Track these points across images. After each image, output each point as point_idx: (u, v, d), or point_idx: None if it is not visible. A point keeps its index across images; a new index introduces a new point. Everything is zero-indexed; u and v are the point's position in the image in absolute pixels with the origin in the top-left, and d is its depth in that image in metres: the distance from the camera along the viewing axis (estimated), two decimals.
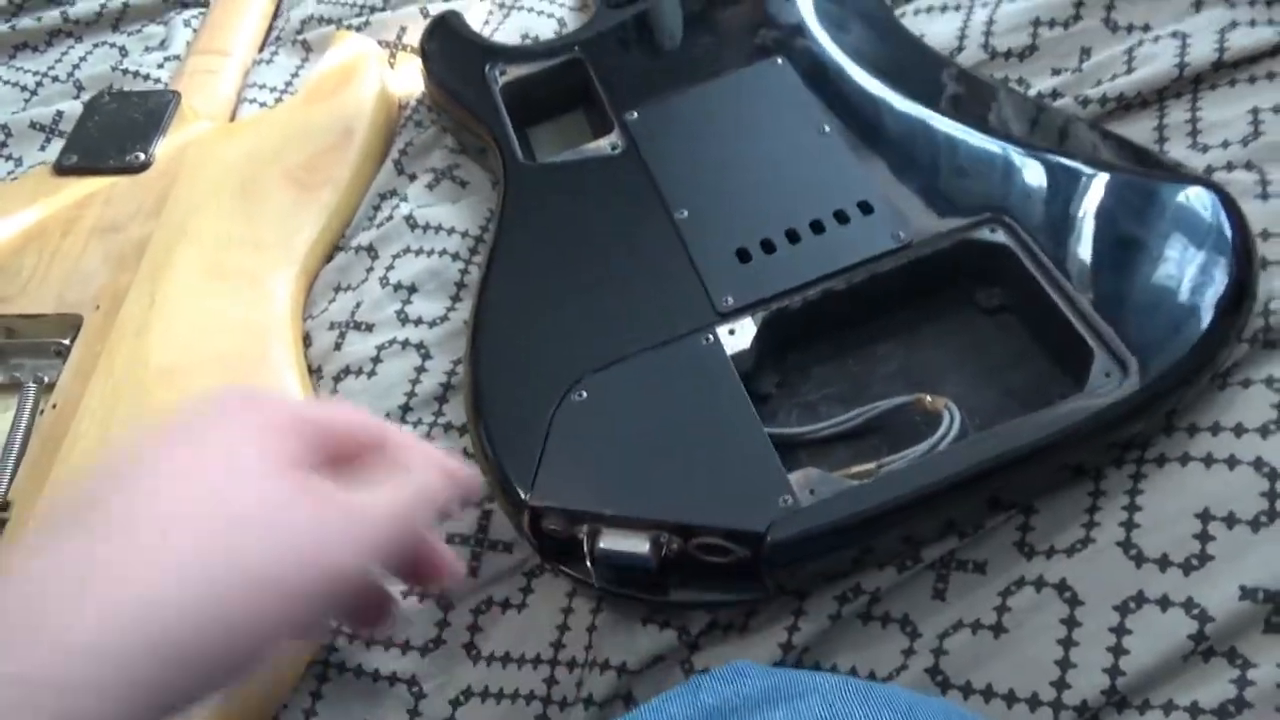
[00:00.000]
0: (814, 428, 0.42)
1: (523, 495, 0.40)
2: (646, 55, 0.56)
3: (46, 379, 0.49)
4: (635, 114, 0.53)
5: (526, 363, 0.45)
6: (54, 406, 0.47)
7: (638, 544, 0.39)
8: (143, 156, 0.57)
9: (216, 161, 0.56)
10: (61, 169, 0.57)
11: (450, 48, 0.60)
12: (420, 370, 0.50)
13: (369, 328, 0.53)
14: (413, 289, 0.54)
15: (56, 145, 0.66)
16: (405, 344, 0.51)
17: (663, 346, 0.43)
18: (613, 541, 0.39)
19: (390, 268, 0.55)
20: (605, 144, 0.52)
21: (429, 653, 0.43)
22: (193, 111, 0.60)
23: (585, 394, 0.42)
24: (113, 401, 0.46)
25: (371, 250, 0.56)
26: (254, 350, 0.49)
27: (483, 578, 0.44)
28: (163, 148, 0.57)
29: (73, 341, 0.50)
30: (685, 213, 0.48)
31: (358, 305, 0.54)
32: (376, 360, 0.51)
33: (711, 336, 0.43)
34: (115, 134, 0.58)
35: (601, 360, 0.43)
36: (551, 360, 0.44)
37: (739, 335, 0.43)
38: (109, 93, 0.59)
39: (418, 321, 0.52)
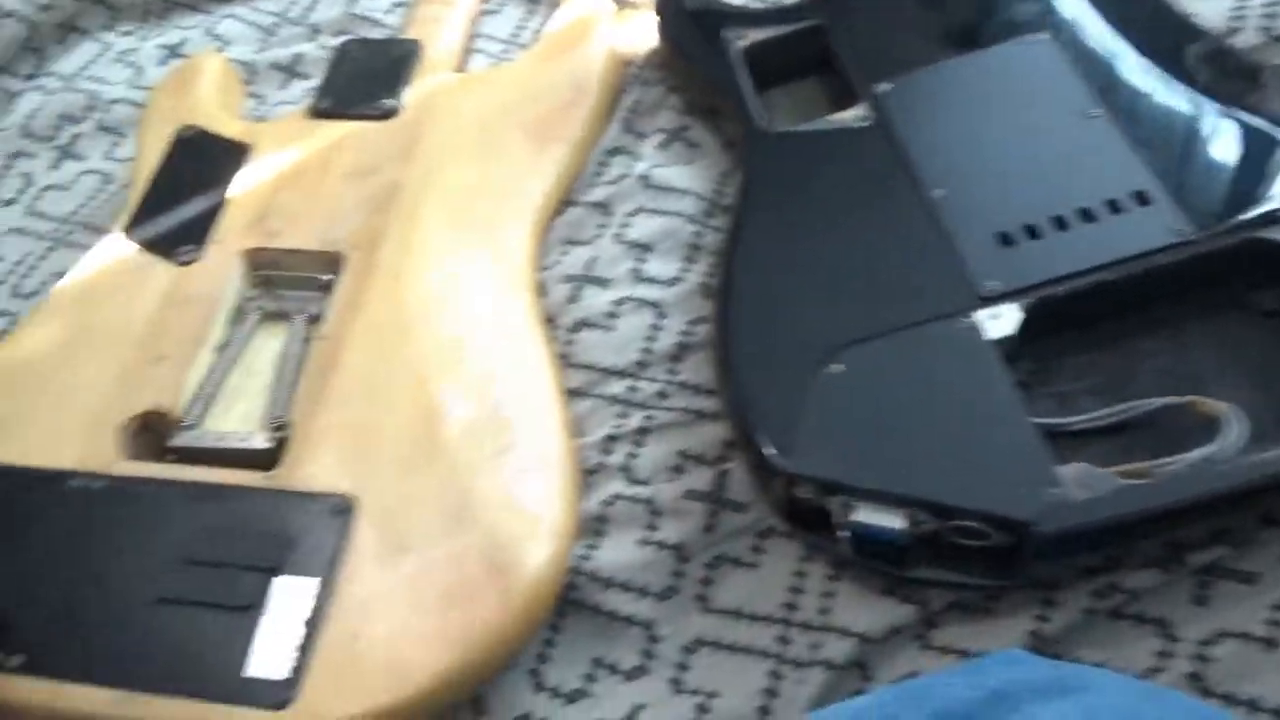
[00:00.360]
0: (1075, 419, 0.41)
1: (779, 463, 0.41)
2: (898, 25, 0.55)
3: (311, 310, 0.52)
4: (886, 86, 0.52)
5: (781, 331, 0.45)
6: (324, 338, 0.49)
7: (893, 519, 0.39)
8: (391, 103, 0.59)
9: (459, 112, 0.58)
10: (317, 112, 0.60)
11: (688, 9, 0.60)
12: (656, 328, 0.51)
13: (605, 283, 0.54)
14: (648, 248, 0.55)
15: (295, 85, 0.70)
16: (641, 301, 0.53)
17: (920, 325, 0.43)
18: (868, 515, 0.40)
19: (625, 225, 0.56)
20: (851, 116, 0.51)
21: (665, 599, 0.45)
22: (433, 61, 0.62)
23: (842, 366, 0.43)
24: (376, 339, 0.48)
25: (604, 207, 0.57)
26: (497, 298, 0.51)
27: (717, 533, 0.45)
28: (409, 96, 0.60)
29: (334, 278, 0.53)
30: (942, 192, 0.47)
31: (593, 260, 0.55)
32: (613, 315, 0.53)
33: (972, 320, 0.42)
34: (365, 81, 0.61)
35: (857, 334, 0.43)
36: (807, 331, 0.44)
37: (1002, 320, 0.42)
38: (357, 40, 0.62)
39: (652, 280, 0.53)
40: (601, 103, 0.60)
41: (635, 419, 0.49)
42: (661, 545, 0.45)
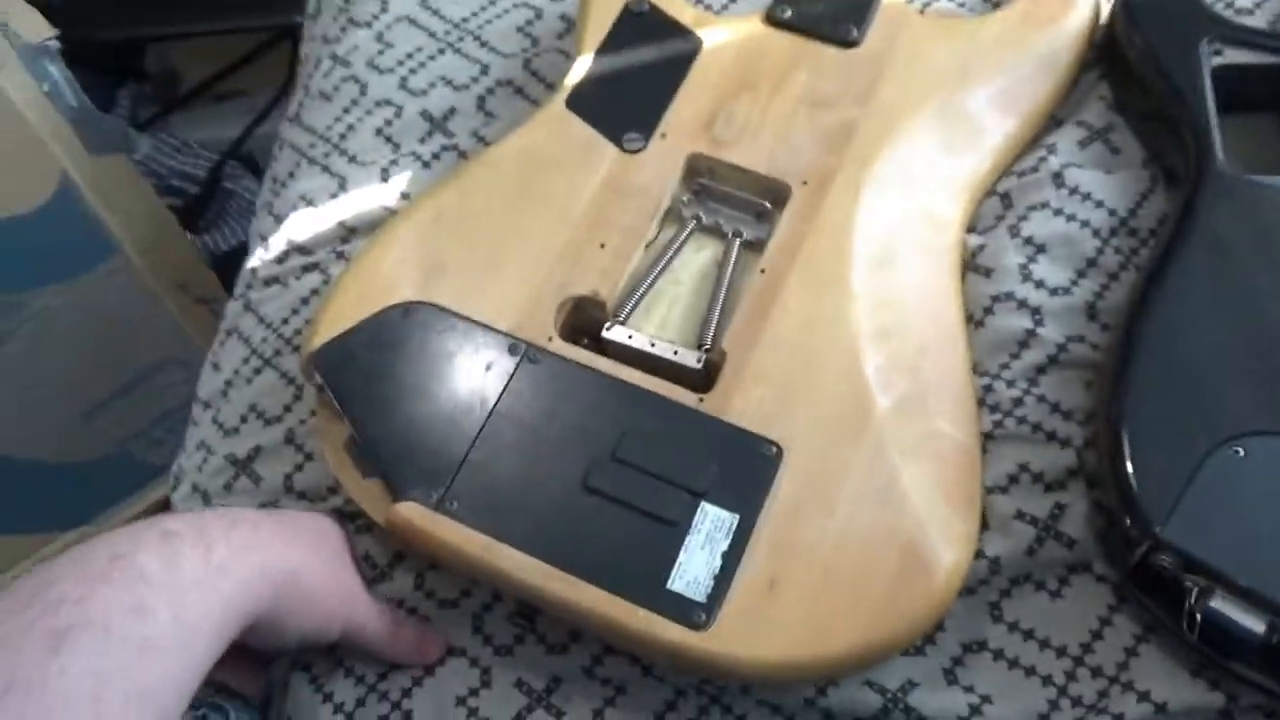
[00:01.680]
0: None
1: (1153, 525, 0.43)
2: None
3: (745, 234, 0.53)
4: None
5: (1188, 393, 0.45)
6: (763, 271, 0.50)
7: (1254, 621, 0.41)
8: (855, 32, 0.56)
9: (926, 63, 0.56)
10: (774, 20, 0.58)
11: (1164, 2, 0.56)
12: (1030, 334, 0.51)
13: (988, 273, 0.53)
14: (1041, 248, 0.53)
15: None
16: (1022, 303, 0.52)
17: None
18: (1226, 607, 0.42)
19: (1023, 218, 0.54)
20: None
21: (961, 596, 0.47)
22: None
23: (1244, 452, 0.44)
24: (816, 288, 0.49)
25: (1006, 197, 0.56)
26: (932, 269, 0.51)
27: (1036, 559, 0.47)
28: (874, 28, 0.57)
29: (775, 207, 0.53)
30: None
31: (980, 248, 0.54)
32: (988, 310, 0.52)
33: None
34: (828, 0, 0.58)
35: (1270, 426, 0.44)
36: (1216, 401, 0.45)
37: None
38: None
39: (1039, 283, 0.53)
40: (1069, 80, 0.57)
41: (985, 422, 0.50)
42: (980, 554, 0.47)
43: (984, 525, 0.47)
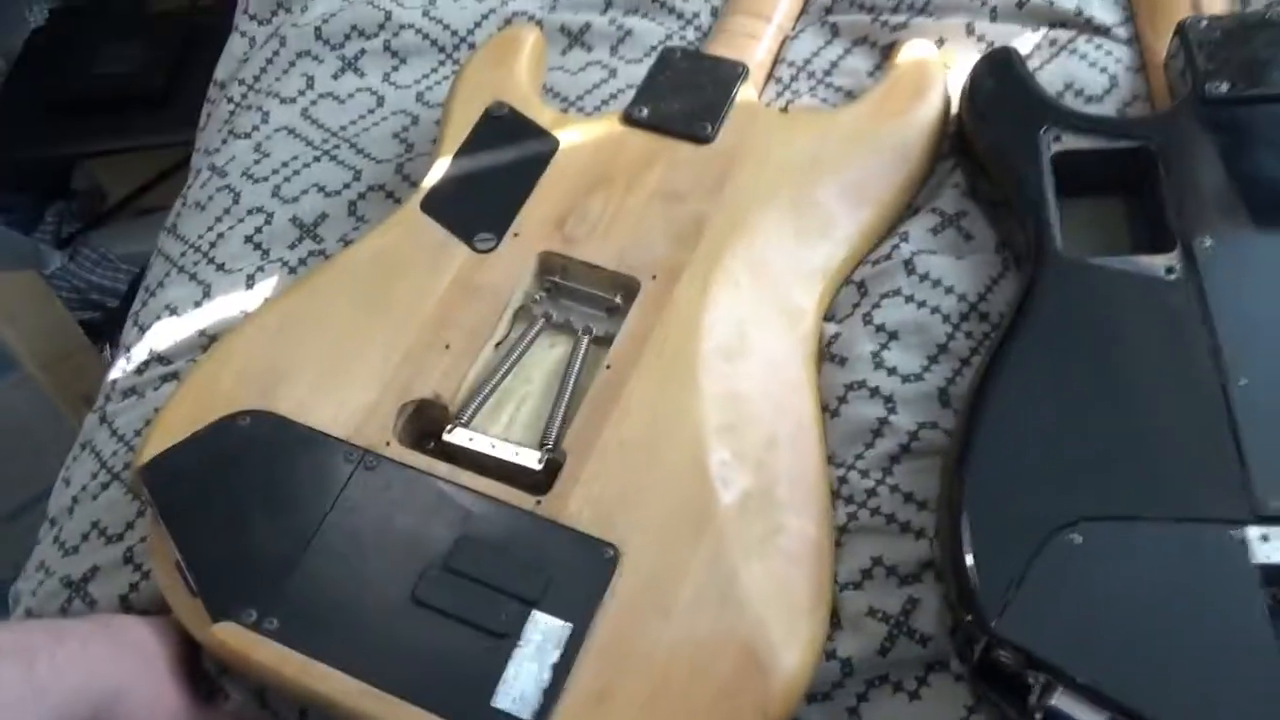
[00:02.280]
0: None
1: (989, 620, 0.41)
2: (1239, 175, 0.51)
3: (595, 330, 0.53)
4: (1208, 241, 0.49)
5: (1022, 479, 0.44)
6: (608, 367, 0.49)
7: (1096, 718, 0.39)
8: (709, 129, 0.58)
9: (777, 155, 0.57)
10: (632, 119, 0.59)
11: (1007, 92, 0.58)
12: (883, 422, 0.51)
13: (842, 361, 0.53)
14: (894, 335, 0.53)
15: (574, 54, 0.71)
16: (875, 391, 0.52)
17: (1178, 523, 0.42)
18: (1069, 705, 0.40)
19: (876, 305, 0.55)
20: (1160, 264, 0.49)
21: (815, 702, 0.44)
22: (755, 90, 0.61)
23: (1079, 539, 0.42)
24: (661, 383, 0.49)
25: (862, 286, 0.56)
26: (782, 362, 0.50)
27: (889, 658, 0.45)
28: (727, 125, 0.58)
29: (624, 302, 0.53)
30: (1245, 382, 0.45)
31: (835, 336, 0.54)
32: (842, 400, 0.52)
33: (1241, 534, 0.42)
34: (684, 97, 0.59)
35: (1106, 510, 0.43)
36: (1051, 486, 0.44)
37: (1275, 545, 0.42)
38: (680, 49, 0.61)
39: (891, 370, 0.52)
40: (923, 169, 0.59)
41: (839, 514, 0.49)
42: (831, 655, 0.45)
43: (837, 624, 0.46)
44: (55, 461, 1.05)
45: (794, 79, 0.66)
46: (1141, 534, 0.42)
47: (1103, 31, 0.65)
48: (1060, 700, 0.40)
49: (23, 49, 1.30)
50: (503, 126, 0.59)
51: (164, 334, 0.61)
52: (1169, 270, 0.50)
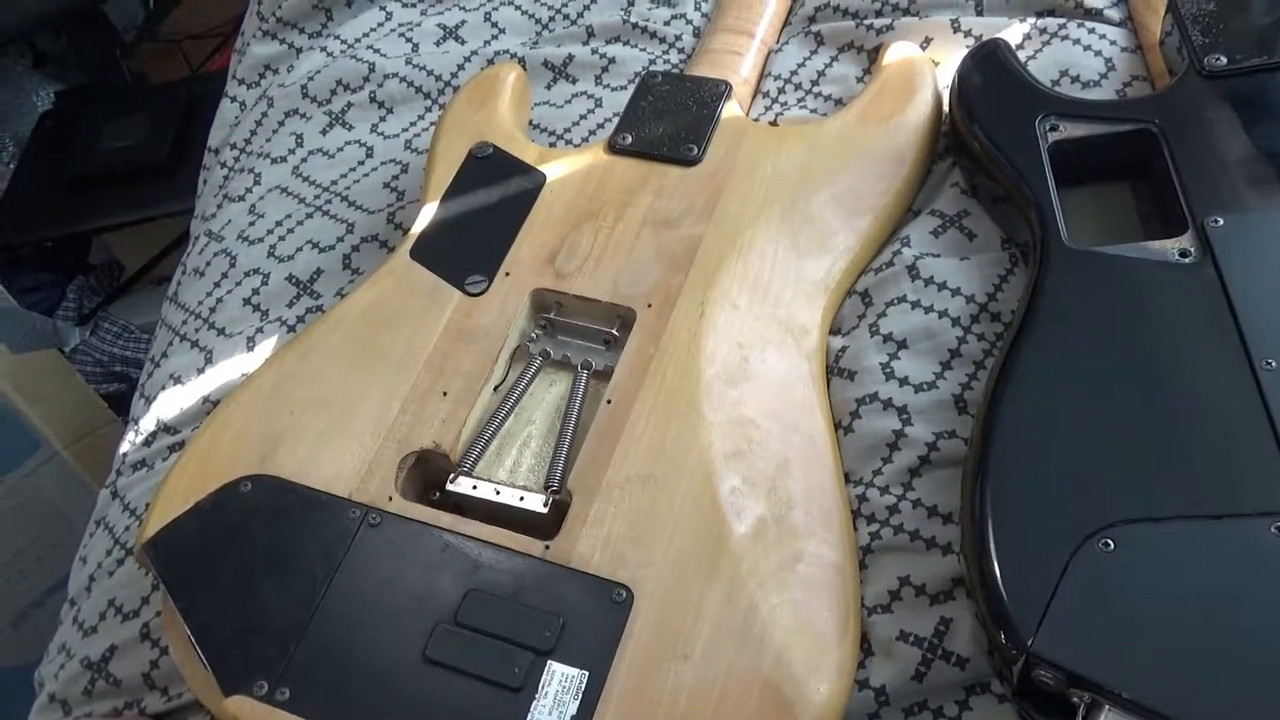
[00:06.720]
0: None
1: (1024, 639, 0.39)
2: (1247, 149, 0.50)
3: (594, 364, 0.52)
4: (1220, 221, 0.47)
5: (1047, 486, 0.42)
6: (609, 402, 0.48)
7: None
8: (695, 151, 0.57)
9: (767, 171, 0.56)
10: (616, 148, 0.58)
11: (996, 85, 0.56)
12: (899, 435, 0.49)
13: (851, 375, 0.52)
14: (902, 344, 0.52)
15: (560, 87, 0.70)
16: (888, 403, 0.50)
17: (1216, 520, 0.40)
18: None
19: (882, 315, 0.53)
20: (1172, 247, 0.48)
21: None
22: (740, 107, 0.60)
23: (1112, 544, 0.40)
24: (665, 413, 0.48)
25: (866, 296, 0.54)
26: (789, 381, 0.49)
27: (925, 684, 0.43)
28: (714, 144, 0.57)
29: (621, 333, 0.52)
30: (1274, 363, 0.43)
31: (842, 350, 0.53)
32: (855, 415, 0.50)
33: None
34: (668, 121, 0.58)
35: (1138, 512, 0.41)
36: (1078, 492, 0.42)
37: None
38: (660, 73, 0.60)
39: (903, 380, 0.51)
40: (919, 174, 0.57)
41: (861, 534, 0.47)
42: (864, 684, 0.43)
43: (869, 651, 0.44)
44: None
45: (781, 92, 0.65)
46: (1178, 535, 0.40)
47: (1094, 14, 0.63)
48: (1108, 718, 0.37)
49: (32, 132, 1.33)
50: (487, 167, 0.58)
51: (169, 404, 0.61)
52: (1182, 254, 0.48)
